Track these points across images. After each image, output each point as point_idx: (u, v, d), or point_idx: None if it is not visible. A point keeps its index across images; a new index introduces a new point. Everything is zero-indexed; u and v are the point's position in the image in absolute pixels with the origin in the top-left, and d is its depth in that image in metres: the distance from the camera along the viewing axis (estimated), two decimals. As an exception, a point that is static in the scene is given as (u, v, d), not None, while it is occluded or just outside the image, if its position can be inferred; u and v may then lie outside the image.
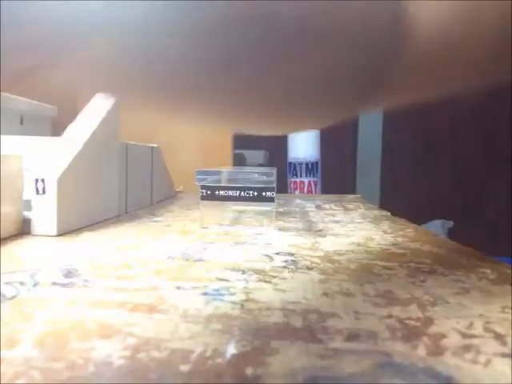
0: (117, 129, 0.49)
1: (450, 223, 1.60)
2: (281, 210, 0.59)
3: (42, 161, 0.37)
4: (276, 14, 0.13)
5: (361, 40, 0.15)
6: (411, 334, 0.17)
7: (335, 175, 1.71)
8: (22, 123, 0.60)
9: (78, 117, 0.45)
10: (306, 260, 0.29)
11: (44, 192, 0.35)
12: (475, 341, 0.17)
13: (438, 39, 0.17)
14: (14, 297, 0.21)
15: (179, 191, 0.78)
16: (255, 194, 0.40)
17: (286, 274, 0.26)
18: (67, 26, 0.12)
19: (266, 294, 0.22)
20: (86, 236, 0.36)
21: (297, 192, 1.46)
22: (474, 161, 1.91)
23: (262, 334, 0.17)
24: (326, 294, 0.22)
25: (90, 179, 0.42)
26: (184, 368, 0.14)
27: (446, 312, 0.20)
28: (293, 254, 0.31)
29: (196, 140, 0.94)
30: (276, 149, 1.50)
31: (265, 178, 0.40)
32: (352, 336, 0.17)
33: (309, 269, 0.27)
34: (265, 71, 0.15)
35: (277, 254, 0.31)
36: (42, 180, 0.35)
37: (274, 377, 0.13)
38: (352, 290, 0.23)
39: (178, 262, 0.28)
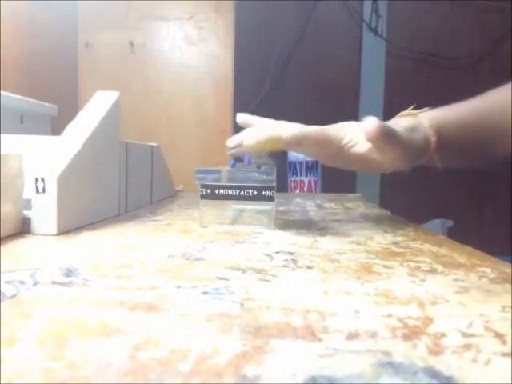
0: (117, 128, 0.49)
1: (450, 222, 1.60)
2: (281, 208, 0.59)
3: (42, 160, 0.37)
4: None
5: None
6: (411, 333, 0.17)
7: (335, 174, 1.70)
8: (22, 122, 0.60)
9: (78, 116, 0.45)
10: (306, 259, 0.29)
11: (44, 191, 0.35)
12: (475, 340, 0.17)
13: None
14: (14, 296, 0.21)
15: (179, 190, 0.78)
16: (255, 192, 0.40)
17: (286, 272, 0.26)
18: None
19: (265, 293, 0.22)
20: (86, 235, 0.36)
21: (297, 191, 1.46)
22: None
23: (262, 334, 0.17)
24: (325, 293, 0.22)
25: (89, 178, 0.42)
26: (184, 367, 0.14)
27: (446, 311, 0.20)
28: (293, 253, 0.31)
29: (196, 140, 0.94)
30: (276, 148, 1.50)
31: (265, 176, 0.40)
32: (352, 335, 0.17)
33: (309, 268, 0.27)
34: None
35: (277, 253, 0.31)
36: (42, 179, 0.35)
37: (273, 376, 0.13)
38: (352, 288, 0.23)
39: (177, 261, 0.28)
